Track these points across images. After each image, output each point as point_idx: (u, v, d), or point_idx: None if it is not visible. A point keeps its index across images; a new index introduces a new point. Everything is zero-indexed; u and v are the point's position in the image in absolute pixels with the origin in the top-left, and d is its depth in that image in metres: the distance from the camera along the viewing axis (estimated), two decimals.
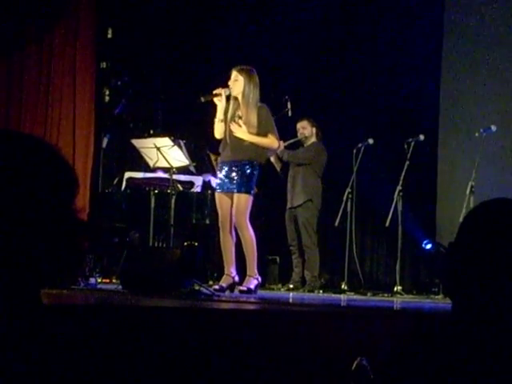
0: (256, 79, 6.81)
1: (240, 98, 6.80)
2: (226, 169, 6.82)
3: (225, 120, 6.81)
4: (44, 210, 1.40)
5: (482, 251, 1.65)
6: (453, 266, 1.69)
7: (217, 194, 6.93)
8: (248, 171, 6.79)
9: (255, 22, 10.25)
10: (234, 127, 6.78)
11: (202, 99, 6.85)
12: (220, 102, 6.80)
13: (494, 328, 1.63)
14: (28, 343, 1.37)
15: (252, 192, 6.82)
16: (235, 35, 10.21)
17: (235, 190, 6.77)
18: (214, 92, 6.80)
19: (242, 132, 6.80)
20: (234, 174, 6.78)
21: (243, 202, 6.75)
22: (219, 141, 6.94)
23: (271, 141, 6.91)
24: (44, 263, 1.41)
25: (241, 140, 6.81)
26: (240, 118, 6.83)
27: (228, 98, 6.85)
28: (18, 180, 1.40)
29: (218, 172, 6.95)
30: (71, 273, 1.46)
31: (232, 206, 6.80)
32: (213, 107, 6.87)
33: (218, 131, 6.85)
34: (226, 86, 6.80)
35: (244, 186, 6.76)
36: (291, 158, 8.90)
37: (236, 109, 6.83)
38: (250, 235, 6.77)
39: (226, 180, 6.82)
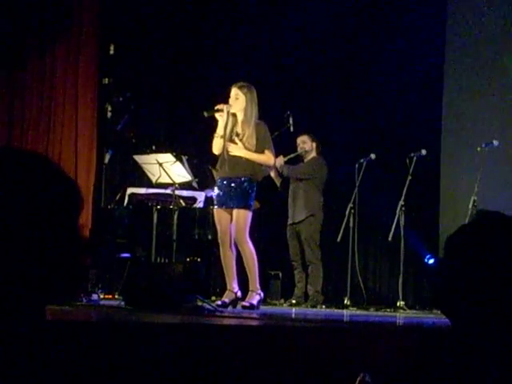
0: (255, 96, 6.80)
1: (241, 116, 6.79)
2: (225, 184, 6.82)
3: (223, 136, 6.81)
4: (49, 227, 1.41)
5: (470, 266, 1.65)
6: (442, 282, 1.69)
7: (215, 210, 6.93)
8: (246, 187, 6.78)
9: (257, 37, 10.28)
10: (230, 147, 6.77)
11: (206, 114, 6.83)
12: (221, 118, 6.79)
13: (491, 342, 1.62)
14: (32, 359, 1.37)
15: (251, 207, 6.81)
16: (237, 50, 10.24)
17: (235, 206, 6.77)
18: (216, 108, 6.79)
19: (238, 150, 6.78)
20: (232, 190, 6.77)
21: (243, 217, 6.74)
22: (219, 156, 6.93)
23: (268, 157, 6.90)
24: (49, 279, 1.41)
25: (239, 157, 6.80)
26: (237, 135, 6.82)
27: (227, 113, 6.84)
28: (23, 197, 1.40)
29: (216, 187, 6.94)
30: (75, 289, 1.46)
31: (231, 221, 6.79)
32: (215, 123, 6.87)
33: (217, 147, 6.83)
34: (227, 102, 6.80)
35: (243, 202, 6.75)
36: (292, 173, 8.89)
37: (234, 125, 6.83)
38: (250, 250, 6.76)
39: (225, 196, 6.80)
